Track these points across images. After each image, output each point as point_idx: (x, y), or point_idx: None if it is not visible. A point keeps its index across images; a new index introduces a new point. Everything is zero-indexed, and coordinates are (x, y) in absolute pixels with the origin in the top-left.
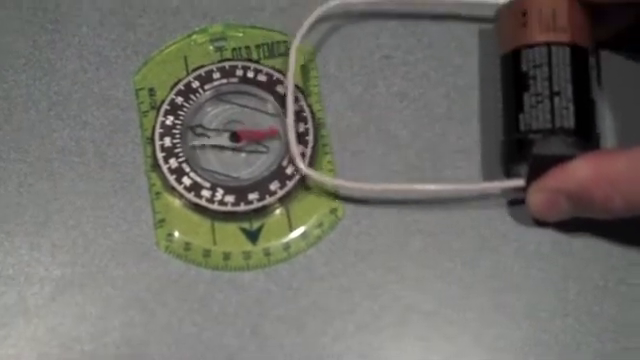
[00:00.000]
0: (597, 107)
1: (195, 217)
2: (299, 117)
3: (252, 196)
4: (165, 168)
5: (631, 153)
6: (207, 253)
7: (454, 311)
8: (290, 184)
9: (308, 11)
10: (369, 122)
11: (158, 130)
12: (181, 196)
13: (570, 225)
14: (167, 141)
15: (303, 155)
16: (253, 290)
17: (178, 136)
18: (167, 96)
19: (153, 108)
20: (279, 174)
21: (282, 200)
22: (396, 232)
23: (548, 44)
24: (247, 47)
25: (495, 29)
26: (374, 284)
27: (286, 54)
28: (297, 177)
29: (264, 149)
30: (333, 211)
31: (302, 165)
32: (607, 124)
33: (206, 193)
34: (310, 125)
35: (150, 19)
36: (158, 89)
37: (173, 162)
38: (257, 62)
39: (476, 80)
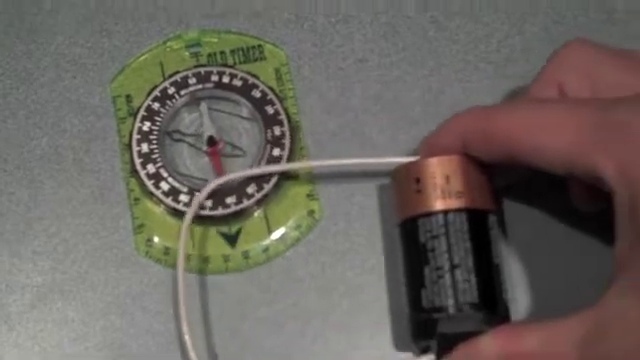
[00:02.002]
0: (502, 268)
1: (174, 222)
2: (275, 121)
3: (229, 200)
4: (143, 174)
5: (540, 330)
6: (187, 257)
7: None
8: (267, 187)
9: (282, 15)
10: (345, 125)
11: (135, 136)
12: (160, 201)
13: None
14: (144, 147)
15: (280, 158)
16: (233, 293)
17: (155, 142)
18: (144, 102)
19: (130, 115)
20: (256, 177)
21: (260, 203)
22: (373, 233)
23: (445, 212)
24: (222, 52)
25: (391, 192)
26: (353, 285)
27: (261, 58)
28: (274, 179)
29: (241, 153)
30: (311, 213)
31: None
32: (516, 276)
33: (184, 198)
34: (286, 128)
35: (126, 26)
36: (135, 96)
37: (151, 167)
38: (232, 67)
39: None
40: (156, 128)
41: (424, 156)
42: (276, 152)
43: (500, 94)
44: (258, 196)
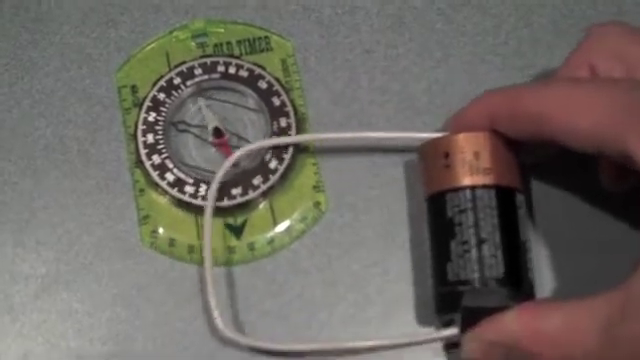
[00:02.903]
0: (529, 246)
1: (179, 213)
2: (281, 112)
3: (235, 191)
4: (148, 164)
5: (565, 308)
6: (192, 249)
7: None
8: (273, 178)
9: (289, 6)
10: (351, 116)
11: (141, 127)
12: (165, 192)
13: None
14: (150, 137)
15: (286, 149)
16: (238, 285)
17: (161, 132)
18: (149, 93)
19: (135, 105)
20: (262, 168)
21: (265, 194)
22: (380, 225)
23: (472, 188)
24: (228, 43)
25: (418, 167)
26: (358, 277)
27: (267, 49)
28: (280, 171)
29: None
30: (317, 205)
31: (221, 324)
32: (541, 256)
33: (189, 189)
34: (292, 120)
35: (131, 16)
36: (140, 86)
37: (156, 158)
38: (238, 58)
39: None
40: (161, 119)
41: (452, 132)
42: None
43: None
44: (264, 188)
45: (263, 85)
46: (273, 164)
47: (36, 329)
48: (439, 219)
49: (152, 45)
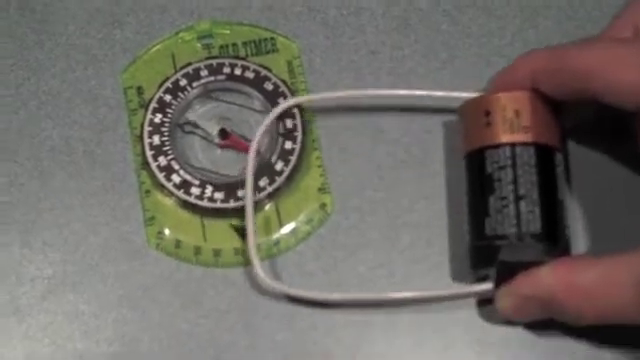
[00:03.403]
0: (566, 204)
1: (185, 214)
2: (287, 113)
3: (241, 193)
4: (154, 166)
5: (601, 263)
6: (197, 250)
7: (442, 305)
8: (279, 180)
9: (295, 7)
10: (357, 117)
11: (147, 128)
12: (171, 193)
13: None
14: (156, 139)
15: (292, 151)
16: (244, 286)
17: (167, 134)
18: (155, 94)
19: (142, 106)
20: (268, 170)
21: (271, 196)
22: (385, 227)
23: (512, 145)
24: (234, 44)
25: (458, 125)
26: (364, 279)
27: (273, 51)
28: (286, 173)
29: None
30: (322, 206)
31: (259, 267)
32: (577, 216)
33: (195, 190)
34: (298, 121)
35: (137, 17)
36: (146, 87)
37: (162, 160)
38: (244, 59)
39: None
40: (168, 120)
41: (493, 91)
42: (288, 145)
43: None
44: (270, 189)
45: (269, 87)
46: (279, 166)
47: (42, 330)
48: (478, 175)
49: (158, 46)
